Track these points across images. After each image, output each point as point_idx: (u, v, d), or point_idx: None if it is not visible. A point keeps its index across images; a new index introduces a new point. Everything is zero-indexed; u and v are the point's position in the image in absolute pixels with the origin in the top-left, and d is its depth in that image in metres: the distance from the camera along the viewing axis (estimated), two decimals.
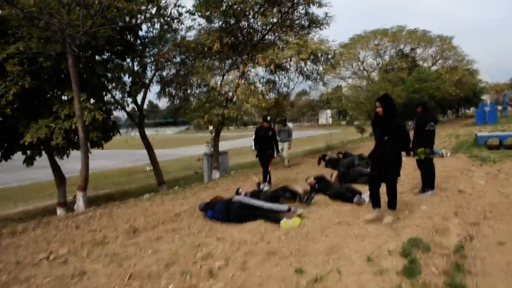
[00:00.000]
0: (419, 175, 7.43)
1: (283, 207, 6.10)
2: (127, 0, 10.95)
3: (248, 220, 5.96)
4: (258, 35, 14.60)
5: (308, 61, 14.88)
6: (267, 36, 14.90)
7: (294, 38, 13.54)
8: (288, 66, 16.10)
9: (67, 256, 5.13)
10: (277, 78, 16.61)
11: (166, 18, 13.79)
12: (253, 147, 9.52)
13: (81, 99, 10.17)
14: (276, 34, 15.10)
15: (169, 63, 14.89)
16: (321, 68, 15.81)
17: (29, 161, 11.66)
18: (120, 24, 10.99)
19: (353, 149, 19.10)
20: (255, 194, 7.11)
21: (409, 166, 8.85)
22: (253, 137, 9.46)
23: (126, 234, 6.00)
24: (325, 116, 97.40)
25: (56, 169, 12.28)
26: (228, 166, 17.67)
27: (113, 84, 12.28)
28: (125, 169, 26.99)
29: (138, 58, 12.89)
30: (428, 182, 7.16)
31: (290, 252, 4.64)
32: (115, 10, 10.70)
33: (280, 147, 12.24)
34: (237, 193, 7.26)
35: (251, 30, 14.74)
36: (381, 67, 38.31)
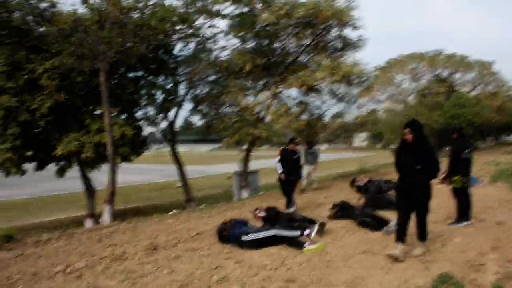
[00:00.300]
0: (453, 204, 7.02)
1: (296, 232, 5.83)
2: (161, 19, 11.19)
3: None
4: (291, 57, 14.56)
5: (341, 83, 14.71)
6: (299, 58, 14.85)
7: (327, 60, 13.39)
8: (320, 88, 15.99)
9: (83, 270, 5.08)
10: (310, 100, 16.55)
11: (200, 38, 14.03)
12: (279, 170, 8.81)
13: (112, 114, 10.36)
14: (309, 56, 15.01)
15: (202, 81, 15.11)
16: (354, 91, 15.57)
17: (60, 173, 11.91)
18: (153, 43, 11.14)
19: (386, 173, 18.52)
20: (273, 216, 6.91)
21: (443, 195, 8.40)
22: (278, 159, 8.87)
23: (145, 251, 5.92)
24: (360, 139, 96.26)
25: (86, 181, 12.49)
26: (258, 185, 17.51)
27: (145, 101, 12.46)
28: (157, 184, 27.25)
29: (170, 76, 13.05)
30: (463, 212, 6.74)
31: (310, 281, 4.40)
32: (147, 29, 10.92)
33: (306, 171, 11.92)
34: (255, 214, 7.07)
35: (284, 52, 14.74)
36: (417, 92, 37.47)
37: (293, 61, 14.39)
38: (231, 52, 14.63)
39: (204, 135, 16.34)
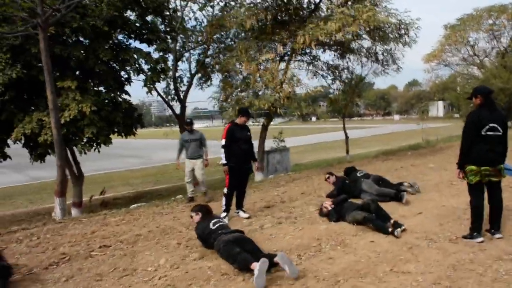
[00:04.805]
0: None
1: None
2: None
3: None
4: (308, 9, 11.89)
5: (373, 39, 11.91)
6: (323, 10, 12.12)
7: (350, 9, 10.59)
8: (356, 48, 13.32)
9: None
10: (347, 64, 14.04)
11: None
12: (223, 159, 5.97)
13: (72, 87, 8.79)
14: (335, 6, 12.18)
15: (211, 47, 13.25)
16: (393, 47, 12.69)
17: (38, 157, 10.53)
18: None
19: (444, 148, 15.31)
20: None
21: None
22: (222, 141, 5.97)
23: (49, 265, 4.46)
24: (436, 108, 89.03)
25: (72, 166, 11.14)
26: (289, 164, 15.51)
27: (128, 71, 10.70)
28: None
29: (162, 42, 11.05)
30: (474, 220, 4.17)
31: None
32: None
33: (189, 167, 8.22)
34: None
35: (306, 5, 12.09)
36: (497, 52, 32.28)
37: (312, 13, 11.67)
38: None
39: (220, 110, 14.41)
